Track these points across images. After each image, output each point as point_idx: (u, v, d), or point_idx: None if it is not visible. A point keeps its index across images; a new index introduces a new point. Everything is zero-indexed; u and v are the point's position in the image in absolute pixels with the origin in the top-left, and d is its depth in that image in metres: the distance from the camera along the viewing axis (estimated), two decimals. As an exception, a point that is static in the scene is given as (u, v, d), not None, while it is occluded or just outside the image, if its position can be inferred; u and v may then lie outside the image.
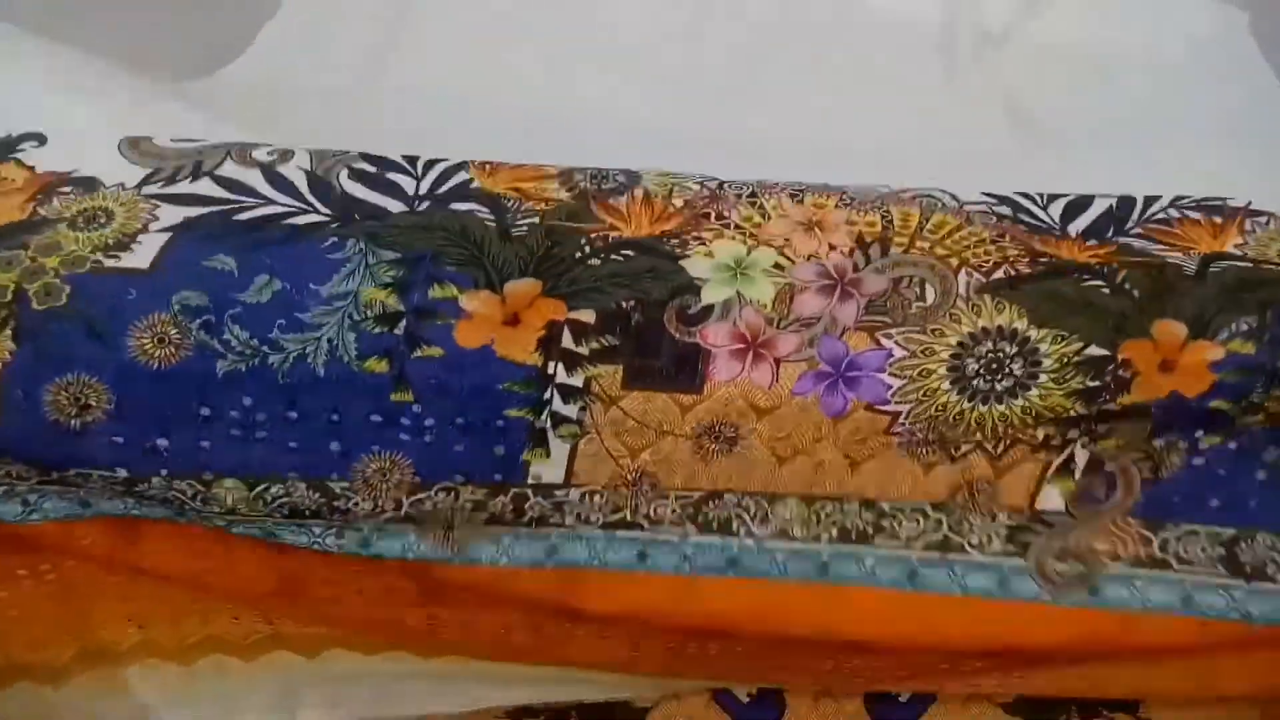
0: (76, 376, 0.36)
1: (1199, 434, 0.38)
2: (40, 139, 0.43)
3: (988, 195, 0.43)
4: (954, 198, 0.42)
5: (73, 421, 0.36)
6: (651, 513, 0.40)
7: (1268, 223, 0.40)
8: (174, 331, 0.37)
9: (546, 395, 0.37)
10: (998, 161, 0.55)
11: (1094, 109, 0.59)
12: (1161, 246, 0.40)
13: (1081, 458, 0.38)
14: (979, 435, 0.38)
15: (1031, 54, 0.61)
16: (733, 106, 0.59)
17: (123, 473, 0.37)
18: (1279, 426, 0.37)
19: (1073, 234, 0.41)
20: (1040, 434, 0.38)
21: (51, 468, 0.38)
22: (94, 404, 0.36)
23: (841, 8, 0.65)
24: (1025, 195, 0.43)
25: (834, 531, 0.39)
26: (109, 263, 0.38)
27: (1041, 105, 0.59)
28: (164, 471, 0.37)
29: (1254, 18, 0.64)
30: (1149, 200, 0.42)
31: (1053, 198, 0.42)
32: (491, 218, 0.40)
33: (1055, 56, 0.61)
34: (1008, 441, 0.38)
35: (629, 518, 0.40)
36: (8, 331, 0.36)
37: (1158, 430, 0.38)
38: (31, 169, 0.41)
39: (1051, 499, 0.39)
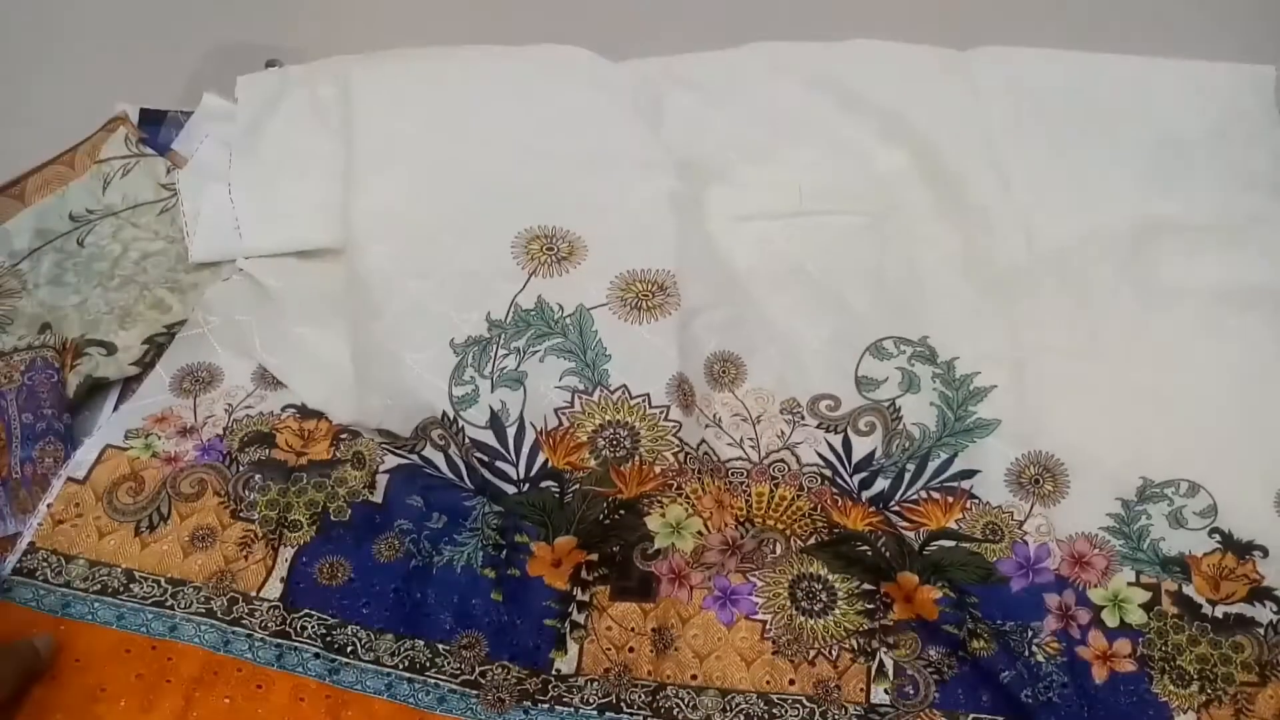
0: (336, 559, 0.64)
1: (958, 650, 0.59)
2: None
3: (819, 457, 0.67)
4: (796, 459, 0.67)
5: (330, 583, 0.63)
6: (627, 698, 0.59)
7: (982, 504, 0.65)
8: (395, 541, 0.64)
9: (569, 610, 0.62)
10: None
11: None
12: (906, 523, 0.65)
13: (890, 664, 0.60)
14: (817, 644, 0.60)
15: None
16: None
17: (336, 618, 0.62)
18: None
19: (863, 499, 0.65)
20: (854, 643, 0.60)
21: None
22: (341, 576, 0.64)
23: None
24: (840, 459, 0.67)
25: (741, 718, 0.58)
26: (366, 494, 0.66)
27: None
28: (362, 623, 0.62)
29: None
30: (910, 482, 0.66)
31: (857, 469, 0.67)
32: (556, 489, 0.65)
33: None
34: (836, 649, 0.60)
35: (614, 701, 0.59)
36: (312, 528, 0.65)
37: (926, 643, 0.59)
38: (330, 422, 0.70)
39: (879, 695, 0.59)
